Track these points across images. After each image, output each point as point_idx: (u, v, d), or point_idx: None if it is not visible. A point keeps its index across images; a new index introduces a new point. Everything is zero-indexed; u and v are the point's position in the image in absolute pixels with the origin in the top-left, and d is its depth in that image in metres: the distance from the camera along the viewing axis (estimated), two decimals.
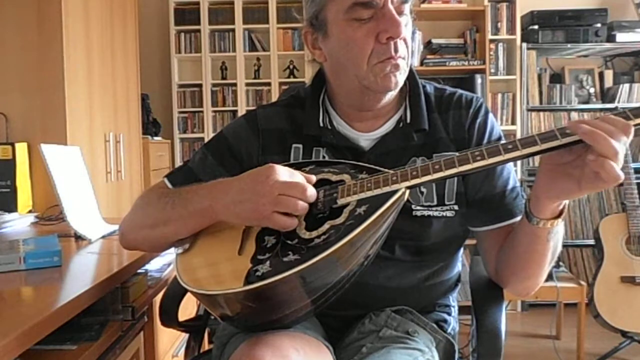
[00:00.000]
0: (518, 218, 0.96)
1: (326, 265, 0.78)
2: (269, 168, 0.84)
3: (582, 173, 0.77)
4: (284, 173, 0.84)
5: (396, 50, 0.94)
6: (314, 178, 0.88)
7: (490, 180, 1.01)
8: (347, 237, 0.77)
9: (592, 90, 3.62)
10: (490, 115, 1.06)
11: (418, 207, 0.99)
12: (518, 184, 1.05)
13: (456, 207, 1.01)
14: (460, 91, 1.08)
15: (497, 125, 1.07)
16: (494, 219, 1.02)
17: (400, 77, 0.97)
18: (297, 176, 0.86)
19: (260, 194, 0.81)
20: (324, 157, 1.04)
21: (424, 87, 1.07)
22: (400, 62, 0.96)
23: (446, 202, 1.00)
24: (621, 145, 0.73)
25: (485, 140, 1.03)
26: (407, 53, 0.97)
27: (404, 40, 0.95)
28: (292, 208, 0.81)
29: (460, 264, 1.15)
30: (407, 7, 0.96)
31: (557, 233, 0.91)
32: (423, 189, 0.99)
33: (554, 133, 0.78)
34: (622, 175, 0.74)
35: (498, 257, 1.02)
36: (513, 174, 1.04)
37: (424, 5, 3.40)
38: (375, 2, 0.92)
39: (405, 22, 0.95)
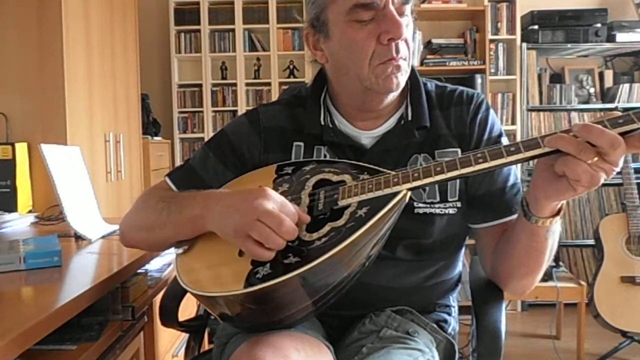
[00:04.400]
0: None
1: (327, 268, 0.78)
2: (261, 190, 0.81)
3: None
4: (273, 200, 0.80)
5: (397, 51, 0.94)
6: (307, 218, 0.85)
7: (490, 177, 1.01)
8: (347, 239, 0.77)
9: (592, 90, 3.62)
10: (491, 111, 1.06)
11: (420, 205, 0.99)
12: (519, 180, 1.04)
13: (459, 204, 1.01)
14: (461, 88, 1.08)
15: (497, 121, 1.07)
16: (494, 215, 1.01)
17: (402, 78, 0.97)
18: (288, 208, 0.81)
19: (242, 213, 0.79)
20: (325, 155, 1.04)
21: (425, 84, 1.07)
22: (402, 63, 0.96)
23: (449, 199, 1.00)
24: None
25: (486, 136, 1.03)
26: (409, 54, 0.97)
27: (405, 41, 0.95)
28: (263, 237, 0.77)
29: (461, 264, 1.15)
30: (408, 8, 0.96)
31: (555, 232, 0.90)
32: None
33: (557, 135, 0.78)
34: (598, 178, 0.74)
35: (495, 255, 1.02)
36: (514, 170, 1.04)
37: (424, 5, 3.40)
38: (376, 4, 0.92)
39: (407, 23, 0.95)
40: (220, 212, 0.84)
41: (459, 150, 1.01)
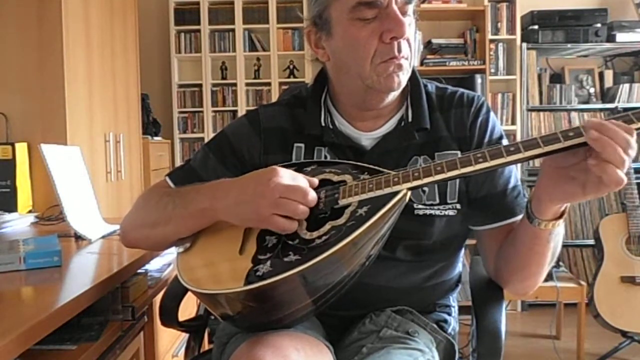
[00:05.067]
0: (519, 217, 0.96)
1: (327, 266, 0.78)
2: (271, 170, 0.84)
3: (586, 177, 0.77)
4: (286, 176, 0.84)
5: (399, 50, 0.94)
6: (316, 181, 0.88)
7: (491, 179, 1.01)
8: (347, 238, 0.77)
9: (592, 90, 3.62)
10: (492, 114, 1.06)
11: (420, 206, 0.99)
12: (520, 183, 1.04)
13: (458, 206, 1.01)
14: (461, 90, 1.08)
15: (498, 124, 1.07)
16: (495, 217, 1.01)
17: (403, 77, 0.97)
18: (300, 179, 0.85)
19: (261, 196, 0.81)
20: (325, 156, 1.04)
21: (425, 86, 1.07)
22: (404, 62, 0.96)
23: (448, 201, 1.00)
24: (628, 155, 0.73)
25: (486, 139, 1.03)
26: (410, 53, 0.97)
27: (407, 40, 0.95)
28: (292, 212, 0.81)
29: (461, 265, 1.15)
30: (410, 8, 0.96)
31: (558, 234, 0.91)
32: (425, 188, 0.99)
33: (557, 135, 0.78)
34: (624, 179, 0.73)
35: (498, 256, 1.02)
36: (515, 172, 1.04)
37: (424, 5, 3.40)
38: (379, 2, 0.92)
39: (409, 22, 0.95)
40: (235, 201, 0.85)
41: (458, 152, 1.00)
